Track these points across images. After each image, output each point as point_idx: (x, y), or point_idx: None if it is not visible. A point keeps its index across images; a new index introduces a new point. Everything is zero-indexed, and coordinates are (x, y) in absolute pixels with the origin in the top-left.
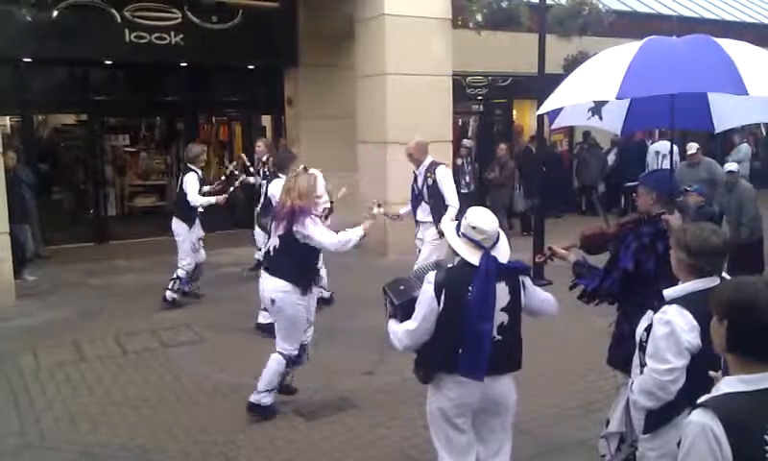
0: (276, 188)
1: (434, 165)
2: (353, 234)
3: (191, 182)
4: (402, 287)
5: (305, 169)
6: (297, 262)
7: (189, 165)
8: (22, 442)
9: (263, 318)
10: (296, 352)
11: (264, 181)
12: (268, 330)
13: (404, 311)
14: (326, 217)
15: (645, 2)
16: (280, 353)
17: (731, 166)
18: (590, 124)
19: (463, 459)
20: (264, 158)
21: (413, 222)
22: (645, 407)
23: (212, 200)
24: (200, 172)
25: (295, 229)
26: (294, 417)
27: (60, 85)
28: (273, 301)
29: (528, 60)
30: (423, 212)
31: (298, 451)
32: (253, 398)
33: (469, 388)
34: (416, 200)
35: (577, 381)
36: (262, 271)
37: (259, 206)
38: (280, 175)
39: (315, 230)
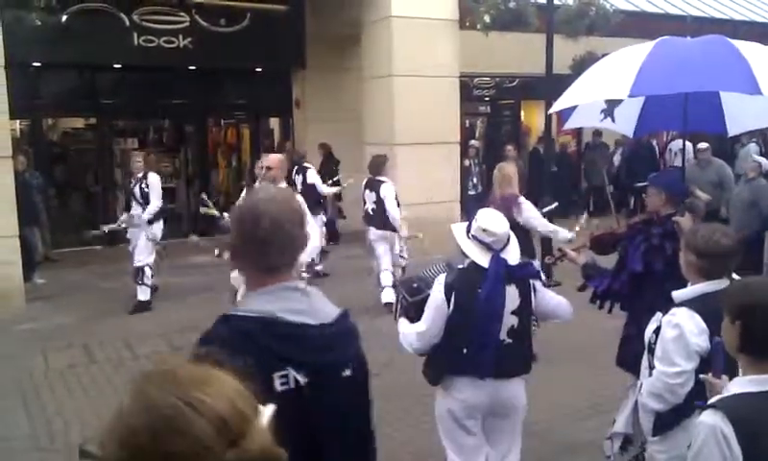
0: None
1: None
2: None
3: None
4: (416, 285)
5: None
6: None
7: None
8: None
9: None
10: None
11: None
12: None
13: (417, 308)
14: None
15: (653, 1)
16: None
17: (760, 159)
18: (603, 125)
19: None
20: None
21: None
22: (654, 410)
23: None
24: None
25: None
26: None
27: (69, 89)
28: None
29: (536, 61)
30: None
31: None
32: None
33: (479, 390)
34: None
35: (586, 382)
36: None
37: None
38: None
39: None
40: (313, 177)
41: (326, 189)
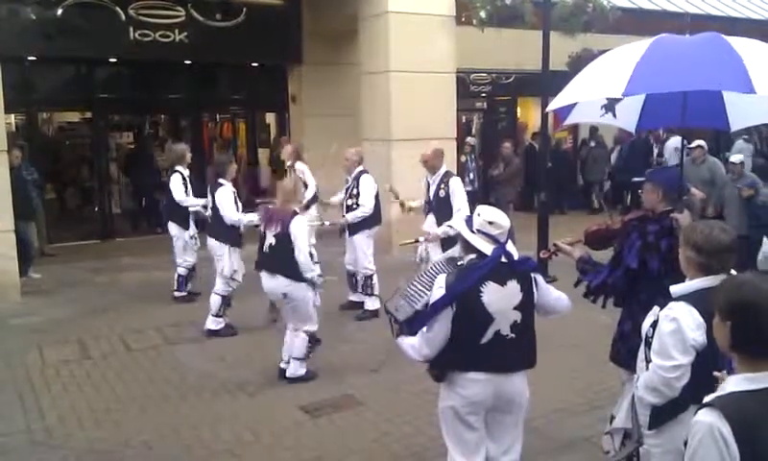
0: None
1: (448, 175)
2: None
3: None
4: (403, 302)
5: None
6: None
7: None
8: (28, 439)
9: (214, 324)
10: (316, 328)
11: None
12: (216, 334)
13: (410, 326)
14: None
15: None
16: (306, 332)
17: (736, 157)
18: (604, 121)
19: (473, 457)
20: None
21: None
22: (650, 403)
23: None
24: (185, 172)
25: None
26: (300, 414)
27: (64, 83)
28: (285, 294)
29: (532, 58)
30: (428, 223)
31: (303, 448)
32: (290, 372)
33: (482, 386)
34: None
35: (582, 378)
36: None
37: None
38: (221, 181)
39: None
40: (174, 183)
41: (187, 200)
